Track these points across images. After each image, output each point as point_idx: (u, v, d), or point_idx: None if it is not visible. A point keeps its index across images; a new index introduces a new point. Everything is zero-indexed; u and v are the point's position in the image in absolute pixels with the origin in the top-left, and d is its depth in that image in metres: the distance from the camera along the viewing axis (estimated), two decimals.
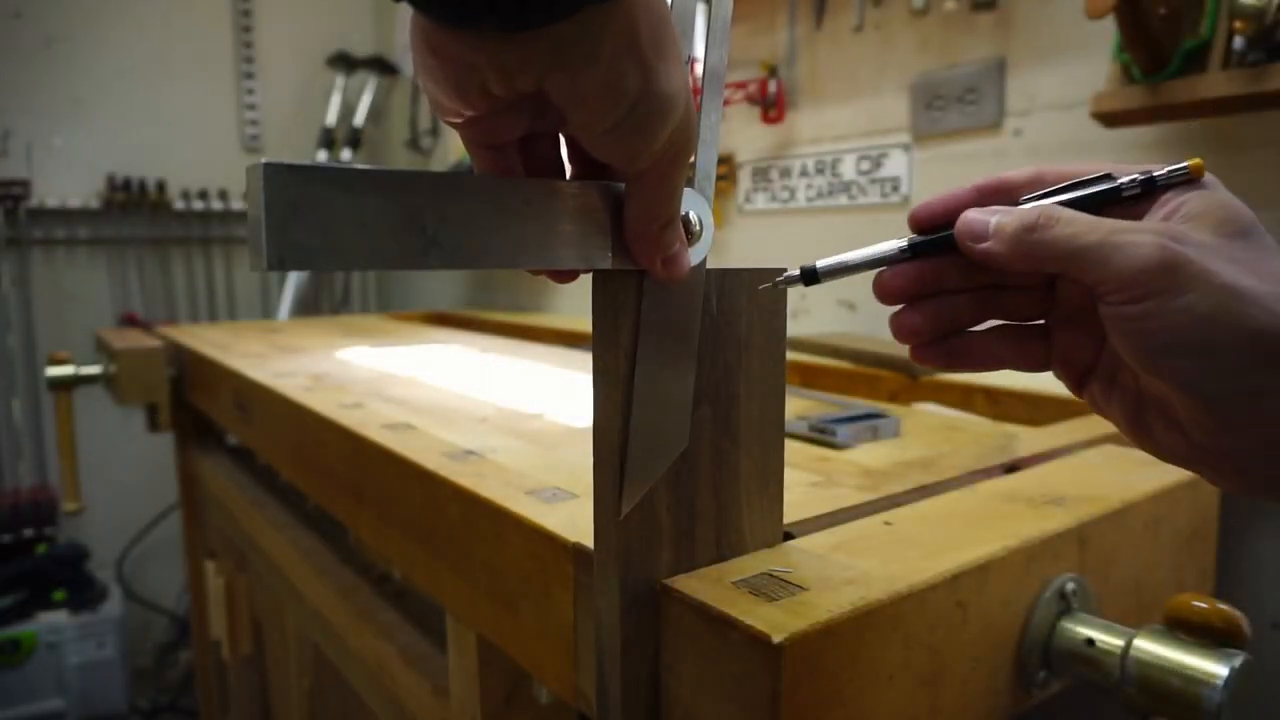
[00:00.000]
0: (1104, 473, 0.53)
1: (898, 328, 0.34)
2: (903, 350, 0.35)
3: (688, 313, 0.35)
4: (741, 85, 1.33)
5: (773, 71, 1.30)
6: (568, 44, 0.26)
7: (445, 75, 0.27)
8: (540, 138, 0.33)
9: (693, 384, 0.36)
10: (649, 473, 0.35)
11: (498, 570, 0.48)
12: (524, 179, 0.30)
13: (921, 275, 0.34)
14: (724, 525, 0.38)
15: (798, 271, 0.35)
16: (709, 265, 0.35)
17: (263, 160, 0.24)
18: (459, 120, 0.30)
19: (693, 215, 0.34)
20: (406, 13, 0.27)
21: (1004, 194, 0.34)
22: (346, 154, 2.39)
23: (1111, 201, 0.32)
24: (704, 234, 0.35)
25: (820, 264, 0.35)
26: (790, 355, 1.02)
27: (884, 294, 0.34)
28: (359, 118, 2.41)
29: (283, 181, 0.24)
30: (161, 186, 2.28)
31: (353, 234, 0.25)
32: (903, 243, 0.34)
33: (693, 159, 0.33)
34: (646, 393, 0.35)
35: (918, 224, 0.34)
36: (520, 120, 0.31)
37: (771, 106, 1.30)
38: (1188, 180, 0.31)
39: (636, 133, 0.28)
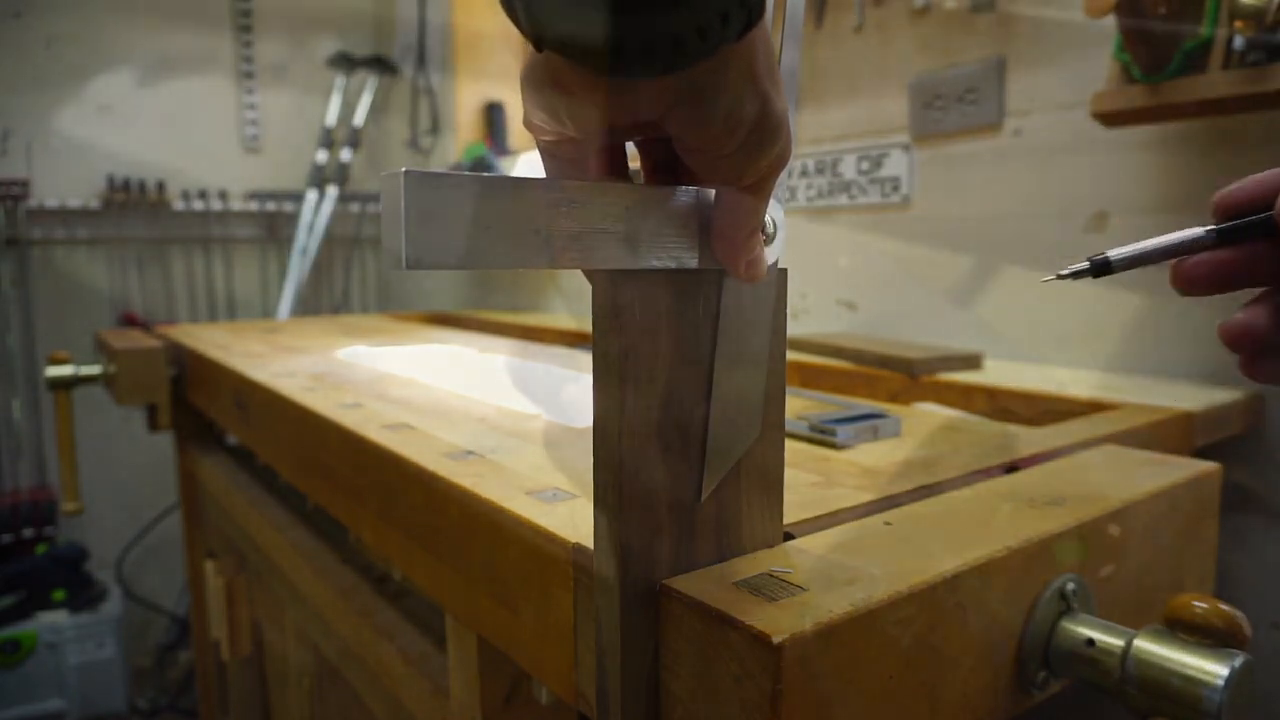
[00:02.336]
0: (1104, 473, 0.53)
1: (1231, 334, 0.32)
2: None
3: (761, 310, 0.37)
4: None
5: None
6: (700, 79, 0.27)
7: (569, 111, 0.29)
8: (614, 146, 0.34)
9: (765, 377, 0.38)
10: (725, 460, 0.37)
11: (498, 570, 0.48)
12: (628, 186, 0.32)
13: (1228, 263, 0.32)
14: (724, 525, 0.38)
15: (1086, 264, 0.34)
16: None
17: (403, 169, 0.26)
18: (552, 139, 0.31)
19: (768, 218, 0.35)
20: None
21: None
22: (346, 154, 2.39)
23: None
24: (778, 234, 0.36)
25: (1114, 254, 0.33)
26: (790, 355, 1.02)
27: (1186, 283, 0.33)
28: (359, 118, 2.41)
29: (420, 188, 0.26)
30: (161, 186, 2.28)
31: (479, 236, 0.28)
32: (1206, 230, 0.32)
33: None
34: (724, 385, 0.37)
35: (1224, 210, 0.33)
36: (605, 136, 0.32)
37: None
38: None
39: (749, 155, 0.30)
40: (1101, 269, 0.34)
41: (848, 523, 0.44)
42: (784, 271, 0.38)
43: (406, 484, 0.57)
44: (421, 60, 2.23)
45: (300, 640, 0.96)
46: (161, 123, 2.31)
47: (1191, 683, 0.37)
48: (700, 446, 0.37)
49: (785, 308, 0.39)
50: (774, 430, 0.39)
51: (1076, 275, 0.34)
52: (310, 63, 2.48)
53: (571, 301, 1.84)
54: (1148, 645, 0.38)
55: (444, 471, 0.53)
